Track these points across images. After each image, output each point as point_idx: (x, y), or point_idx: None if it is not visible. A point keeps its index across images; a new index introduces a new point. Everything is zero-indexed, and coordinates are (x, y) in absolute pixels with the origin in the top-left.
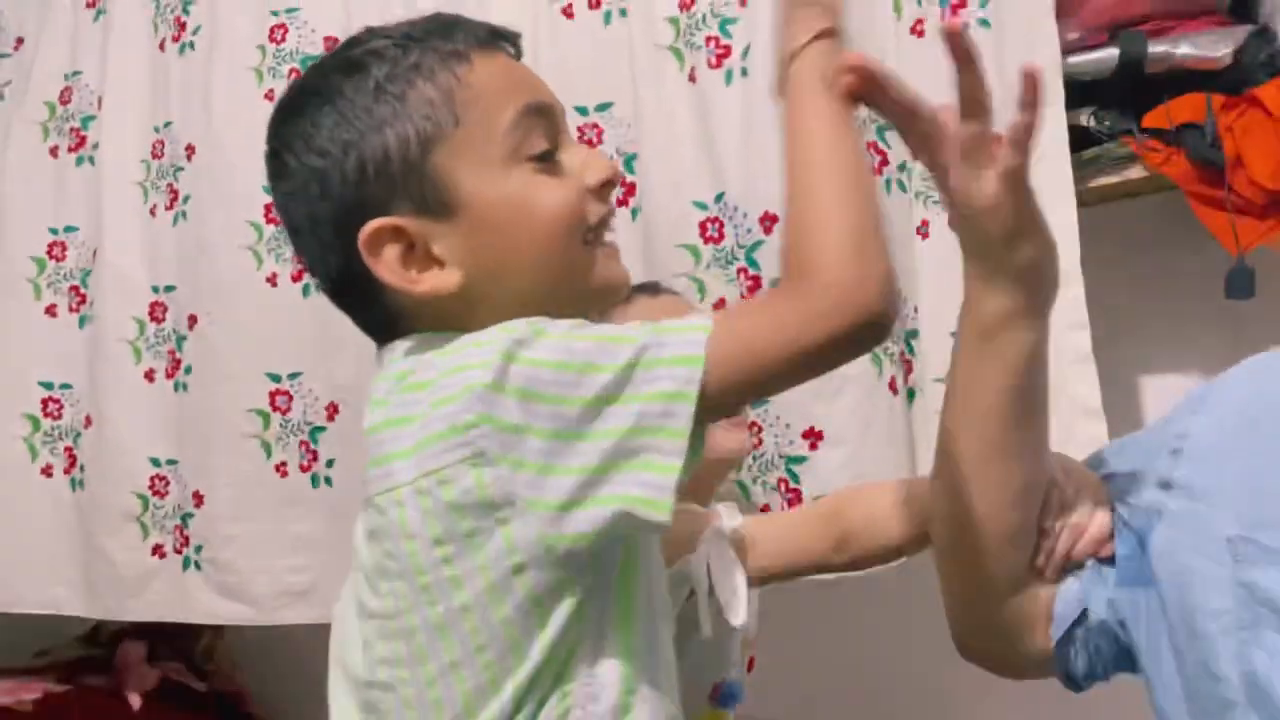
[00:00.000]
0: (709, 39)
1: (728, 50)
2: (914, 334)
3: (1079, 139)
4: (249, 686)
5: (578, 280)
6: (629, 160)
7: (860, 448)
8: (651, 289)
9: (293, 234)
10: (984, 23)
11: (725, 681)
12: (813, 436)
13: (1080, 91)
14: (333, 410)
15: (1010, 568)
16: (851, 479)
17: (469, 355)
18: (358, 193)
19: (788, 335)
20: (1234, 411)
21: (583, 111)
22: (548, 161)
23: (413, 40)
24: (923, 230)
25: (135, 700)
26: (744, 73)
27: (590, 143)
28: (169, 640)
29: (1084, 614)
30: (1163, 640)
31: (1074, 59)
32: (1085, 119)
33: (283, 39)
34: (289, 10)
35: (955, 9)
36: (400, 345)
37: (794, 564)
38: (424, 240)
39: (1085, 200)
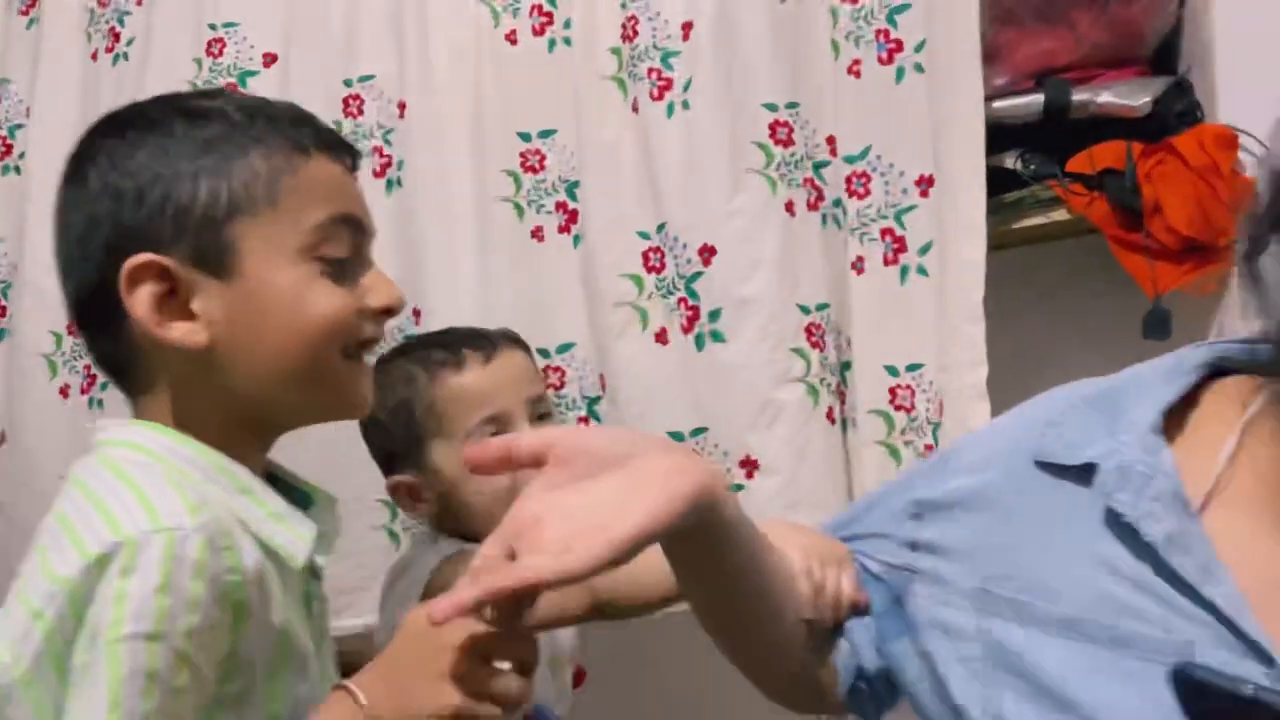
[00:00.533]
0: (651, 70)
1: (669, 83)
2: (848, 366)
3: (1006, 181)
4: None
5: (321, 386)
6: (571, 188)
7: (795, 477)
8: (487, 349)
9: (60, 234)
10: (918, 67)
11: (536, 707)
12: (749, 466)
13: (1008, 135)
14: None
15: (787, 662)
16: (786, 508)
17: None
18: (146, 223)
19: None
20: (966, 469)
21: (525, 138)
22: (339, 269)
23: (264, 117)
24: (857, 265)
25: None
26: (685, 105)
27: (533, 169)
28: None
29: (861, 666)
30: (924, 684)
31: (1001, 103)
32: (1012, 162)
33: (220, 53)
34: (226, 25)
35: (891, 53)
36: (113, 437)
37: (553, 619)
38: (187, 290)
39: (1010, 241)
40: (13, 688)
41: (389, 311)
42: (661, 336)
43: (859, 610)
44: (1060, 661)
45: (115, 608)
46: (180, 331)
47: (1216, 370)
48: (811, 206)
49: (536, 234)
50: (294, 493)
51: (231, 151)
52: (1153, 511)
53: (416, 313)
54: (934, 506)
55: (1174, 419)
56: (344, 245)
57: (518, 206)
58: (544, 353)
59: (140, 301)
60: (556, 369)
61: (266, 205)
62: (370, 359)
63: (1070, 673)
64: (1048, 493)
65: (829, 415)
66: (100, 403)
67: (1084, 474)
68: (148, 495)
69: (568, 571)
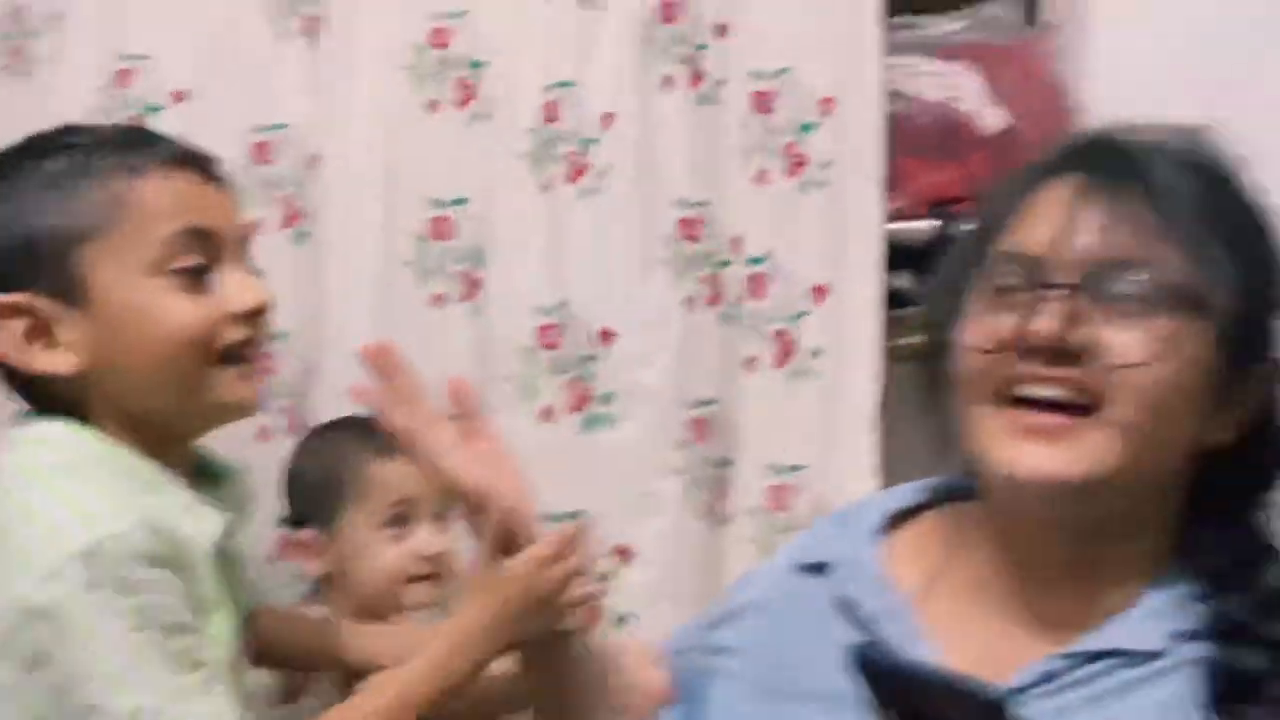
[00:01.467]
0: (569, 153)
1: (585, 167)
2: (729, 462)
3: (899, 299)
4: None
5: (194, 395)
6: (477, 256)
7: (670, 570)
8: (386, 451)
9: None
10: (822, 184)
11: None
12: (624, 554)
13: (904, 256)
14: None
15: None
16: (656, 599)
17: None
18: (3, 265)
19: None
20: (761, 579)
21: (438, 204)
22: (195, 279)
23: (99, 145)
24: (749, 364)
25: None
26: (598, 191)
27: (441, 236)
28: None
29: None
30: None
31: (898, 226)
32: (905, 281)
33: (128, 83)
34: (137, 57)
35: (795, 167)
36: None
37: None
38: (50, 322)
39: (900, 355)
40: None
41: (256, 311)
42: (549, 415)
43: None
44: None
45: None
46: (47, 361)
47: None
48: (710, 301)
49: (437, 300)
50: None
51: (73, 184)
52: (866, 592)
53: (309, 370)
54: (728, 615)
55: (902, 525)
56: (194, 255)
57: (421, 270)
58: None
59: (5, 340)
60: None
61: (109, 229)
62: (251, 356)
63: None
64: (800, 590)
65: (708, 510)
66: None
67: (821, 569)
68: (81, 504)
69: None
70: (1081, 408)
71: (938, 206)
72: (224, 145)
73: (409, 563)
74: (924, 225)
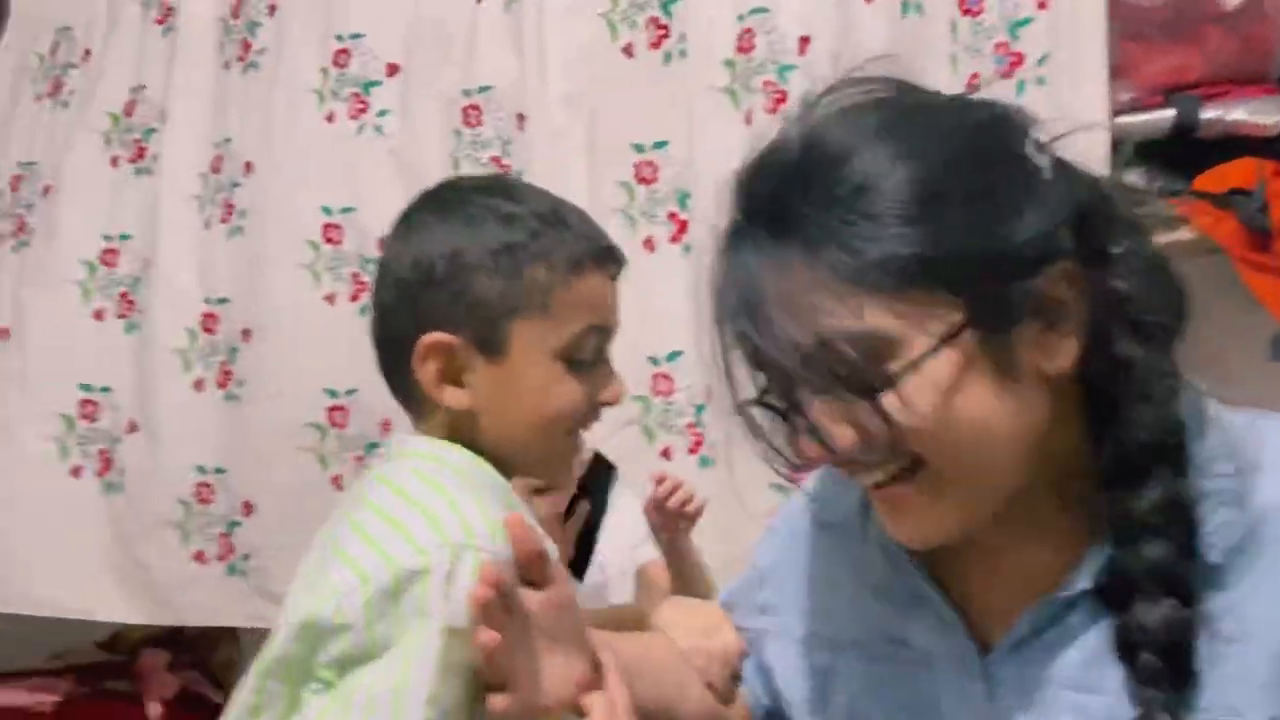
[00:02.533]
0: (766, 83)
1: (784, 96)
2: None
3: None
4: None
5: (549, 457)
6: (682, 198)
7: None
8: None
9: (379, 284)
10: (1040, 80)
11: None
12: None
13: (1133, 152)
14: (386, 426)
15: None
16: None
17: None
18: (445, 304)
19: None
20: (787, 530)
21: (639, 149)
22: (581, 365)
23: (555, 228)
24: None
25: (155, 709)
26: None
27: (646, 180)
28: (188, 650)
29: (762, 702)
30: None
31: (1127, 119)
32: (1136, 179)
33: (346, 64)
34: (353, 36)
35: (1012, 66)
36: (415, 449)
37: None
38: (463, 365)
39: None
40: (331, 632)
41: (611, 404)
42: None
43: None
44: (857, 678)
45: (438, 603)
46: (451, 396)
47: None
48: None
49: (648, 244)
50: None
51: (524, 259)
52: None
53: None
54: (764, 574)
55: None
56: (591, 350)
57: (629, 217)
58: (653, 360)
59: (427, 371)
60: (665, 376)
61: (540, 311)
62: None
63: (858, 689)
64: (826, 544)
65: None
66: (236, 397)
67: (841, 526)
68: (462, 511)
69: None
70: (909, 468)
71: (1174, 93)
72: (435, 113)
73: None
74: (1159, 116)
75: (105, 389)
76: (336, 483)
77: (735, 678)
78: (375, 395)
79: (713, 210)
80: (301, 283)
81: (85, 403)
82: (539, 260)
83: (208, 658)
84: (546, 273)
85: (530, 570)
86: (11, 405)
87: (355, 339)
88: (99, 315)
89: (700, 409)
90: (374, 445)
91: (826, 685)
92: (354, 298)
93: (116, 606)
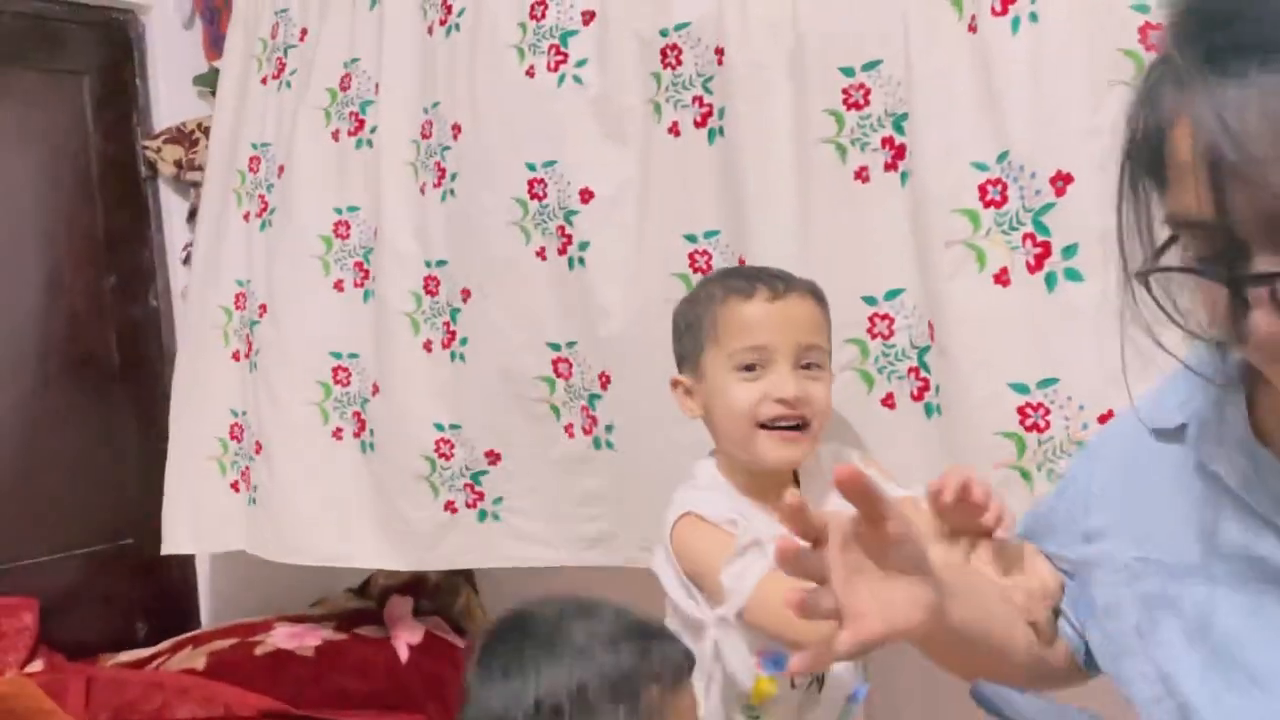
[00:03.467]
0: None
1: None
2: None
3: None
4: None
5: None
6: (898, 121)
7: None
8: (778, 289)
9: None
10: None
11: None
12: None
13: None
14: (605, 379)
15: (1030, 663)
16: None
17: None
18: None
19: None
20: (1115, 452)
21: (848, 73)
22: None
23: (653, 640)
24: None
25: (404, 651)
26: (1033, 18)
27: (856, 105)
28: (430, 598)
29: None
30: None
31: None
32: None
33: (543, 15)
34: None
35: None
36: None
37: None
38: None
39: None
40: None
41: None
42: (1002, 277)
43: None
44: (1198, 604)
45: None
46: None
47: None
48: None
49: (860, 175)
50: None
51: (638, 682)
52: (1227, 456)
53: (741, 262)
54: (1087, 495)
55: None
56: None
57: (840, 147)
58: (869, 300)
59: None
60: (884, 316)
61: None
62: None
63: (1217, 612)
64: (1156, 457)
65: None
66: (462, 356)
67: (1178, 434)
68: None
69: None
70: None
71: None
72: (632, 55)
73: (760, 403)
74: None
75: (353, 355)
76: (569, 431)
77: (1055, 613)
78: (590, 349)
79: (932, 131)
80: (512, 240)
81: (338, 369)
82: (651, 682)
83: (448, 605)
84: (659, 692)
85: (866, 508)
86: (276, 376)
87: (567, 293)
88: (339, 286)
89: (924, 350)
90: (596, 396)
91: (1157, 614)
92: (561, 250)
93: (383, 554)
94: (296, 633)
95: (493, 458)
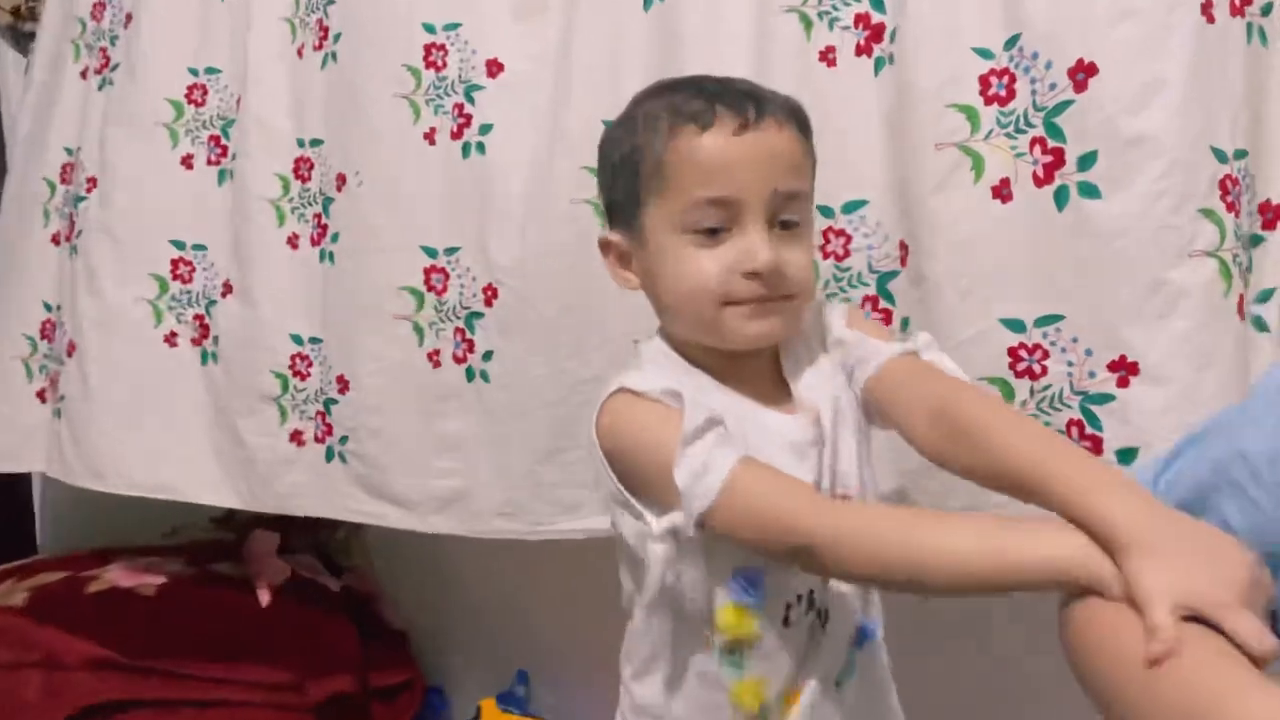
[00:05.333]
0: None
1: None
2: (1258, 240)
3: None
4: (383, 588)
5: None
6: None
7: (1193, 388)
8: (747, 115)
9: None
10: None
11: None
12: (1124, 369)
13: None
14: (491, 294)
15: None
16: (1177, 428)
17: None
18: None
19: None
20: None
21: None
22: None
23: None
24: None
25: (264, 596)
26: None
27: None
28: (303, 531)
29: None
30: None
31: None
32: None
33: None
34: None
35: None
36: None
37: None
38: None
39: None
40: None
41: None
42: (1003, 190)
43: None
44: None
45: None
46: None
47: None
48: (1236, 10)
49: (825, 57)
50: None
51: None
52: None
53: None
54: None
55: None
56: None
57: (805, 19)
58: (824, 211)
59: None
60: (839, 233)
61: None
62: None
63: None
64: None
65: (1239, 307)
66: (331, 255)
67: None
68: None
69: None
70: None
71: None
72: None
73: (725, 279)
74: None
75: (199, 246)
76: (433, 359)
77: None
78: (478, 257)
79: (924, 8)
80: (398, 116)
81: (178, 262)
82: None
83: (326, 540)
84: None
85: None
86: (100, 263)
87: (458, 188)
88: (188, 162)
89: (887, 277)
90: (477, 315)
91: None
92: (457, 133)
93: (216, 489)
94: (138, 568)
95: (342, 384)
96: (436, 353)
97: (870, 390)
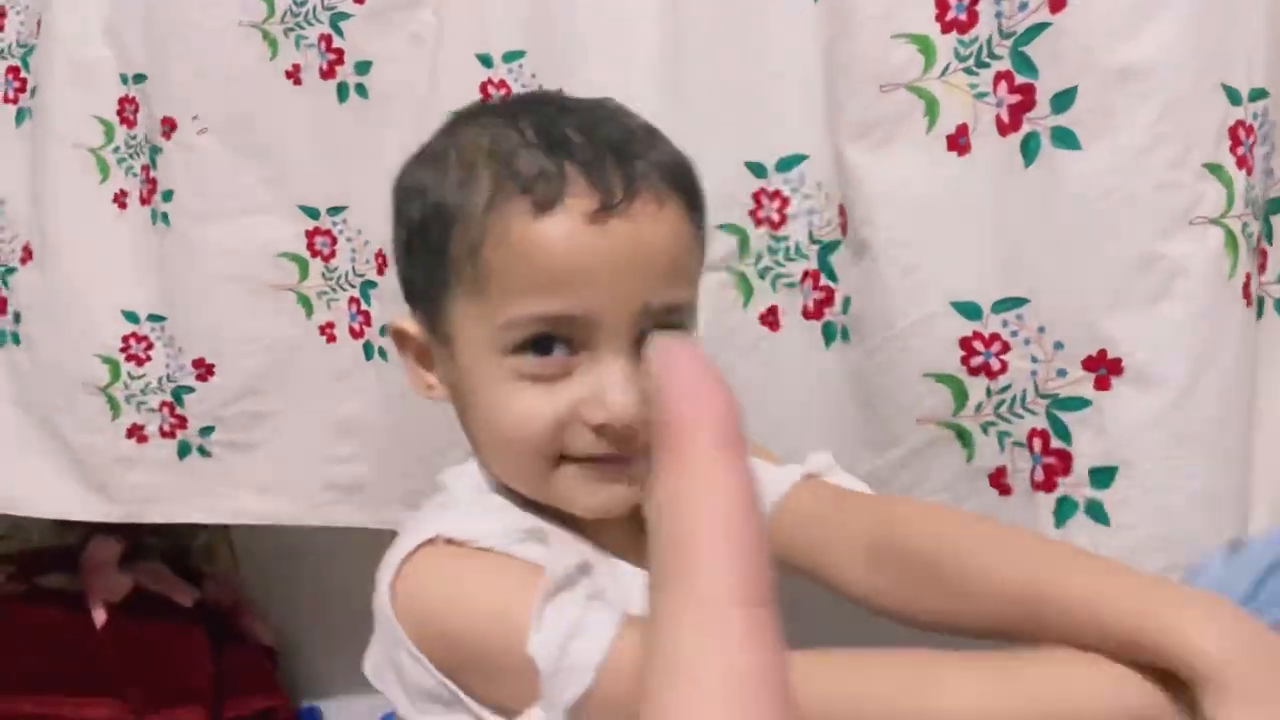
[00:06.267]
0: None
1: None
2: (1278, 206)
3: None
4: (250, 598)
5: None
6: None
7: (1194, 394)
8: (611, 192)
9: None
10: None
11: None
12: (1104, 365)
13: None
14: (384, 261)
15: None
16: (1171, 449)
17: None
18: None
19: None
20: None
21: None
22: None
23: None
24: None
25: (99, 615)
26: None
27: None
28: (155, 534)
29: None
30: None
31: None
32: None
33: None
34: None
35: None
36: None
37: None
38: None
39: None
40: None
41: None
42: (959, 139)
43: None
44: None
45: None
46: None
47: None
48: None
49: None
50: None
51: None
52: None
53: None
54: None
55: None
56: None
57: None
58: (756, 169)
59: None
60: (775, 195)
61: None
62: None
63: None
64: None
65: (1245, 289)
66: (165, 217)
67: None
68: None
69: None
70: None
71: None
72: None
73: (564, 425)
74: None
75: None
76: (328, 332)
77: None
78: (368, 216)
79: None
80: (248, 49)
81: None
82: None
83: (182, 546)
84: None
85: None
86: None
87: (337, 132)
88: None
89: (830, 248)
90: (371, 285)
91: None
92: (327, 71)
93: (34, 497)
94: None
95: (203, 370)
96: (330, 325)
97: (774, 533)
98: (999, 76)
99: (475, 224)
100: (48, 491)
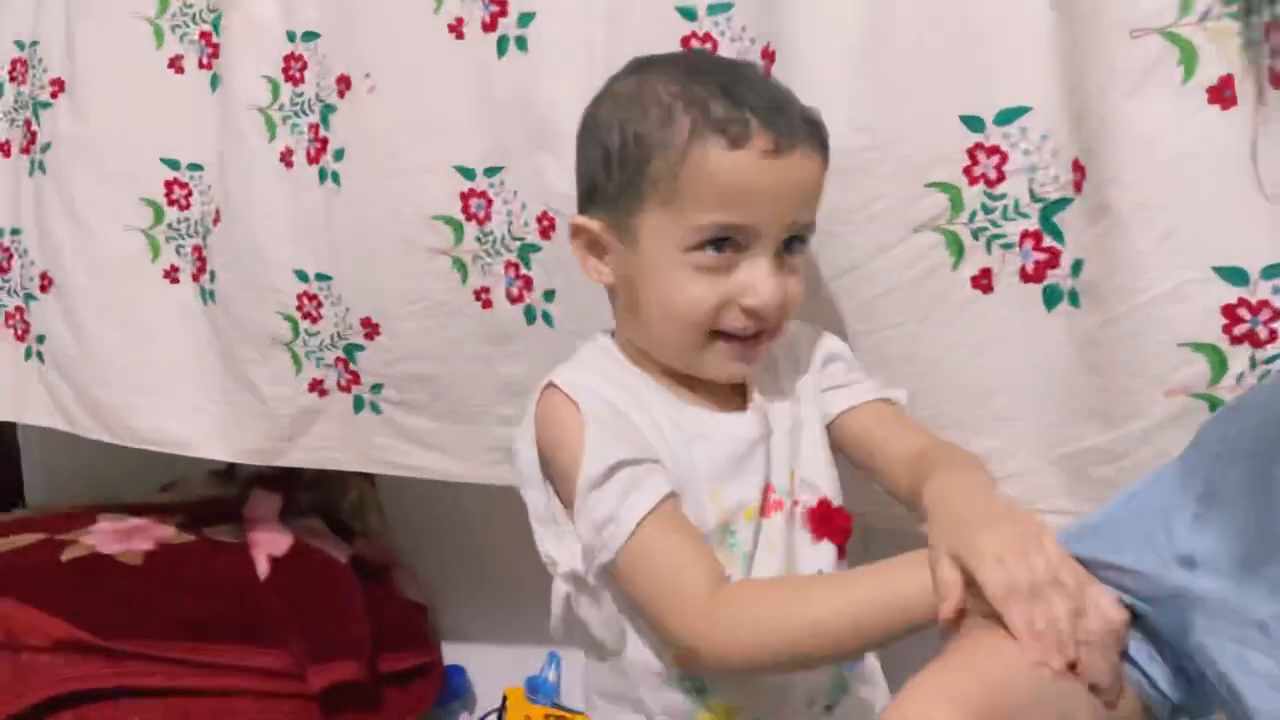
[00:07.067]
0: None
1: None
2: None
3: None
4: (400, 557)
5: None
6: None
7: None
8: (785, 139)
9: None
10: None
11: None
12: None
13: None
14: (548, 224)
15: None
16: None
17: None
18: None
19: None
20: (1257, 435)
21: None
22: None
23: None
24: None
25: (262, 567)
26: None
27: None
28: (311, 489)
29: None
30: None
31: None
32: None
33: None
34: None
35: None
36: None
37: None
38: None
39: None
40: None
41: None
42: (1223, 91)
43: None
44: None
45: None
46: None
47: None
48: None
49: None
50: None
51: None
52: None
53: (764, 54)
54: (1205, 497)
55: None
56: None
57: None
58: (973, 123)
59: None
60: (993, 150)
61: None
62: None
63: None
64: None
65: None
66: (335, 177)
67: None
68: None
69: None
70: None
71: None
72: None
73: (723, 309)
74: None
75: (195, 166)
76: (484, 297)
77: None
78: (525, 180)
79: None
80: (418, 6)
81: (174, 184)
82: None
83: (334, 500)
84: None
85: None
86: (79, 185)
87: (496, 97)
88: (176, 65)
89: (1055, 206)
90: (532, 249)
91: None
92: (490, 24)
93: (227, 442)
94: (125, 531)
95: (370, 329)
96: (486, 290)
97: (844, 425)
98: (1271, 26)
99: (675, 153)
100: (242, 441)
